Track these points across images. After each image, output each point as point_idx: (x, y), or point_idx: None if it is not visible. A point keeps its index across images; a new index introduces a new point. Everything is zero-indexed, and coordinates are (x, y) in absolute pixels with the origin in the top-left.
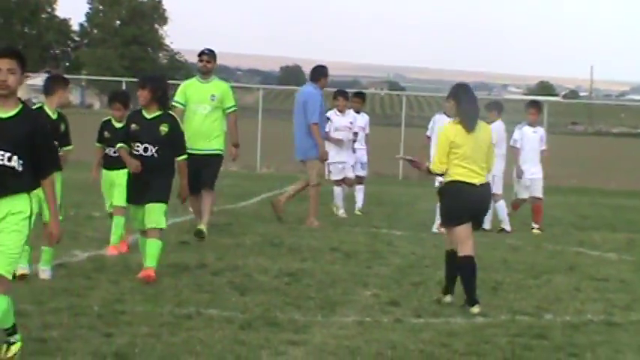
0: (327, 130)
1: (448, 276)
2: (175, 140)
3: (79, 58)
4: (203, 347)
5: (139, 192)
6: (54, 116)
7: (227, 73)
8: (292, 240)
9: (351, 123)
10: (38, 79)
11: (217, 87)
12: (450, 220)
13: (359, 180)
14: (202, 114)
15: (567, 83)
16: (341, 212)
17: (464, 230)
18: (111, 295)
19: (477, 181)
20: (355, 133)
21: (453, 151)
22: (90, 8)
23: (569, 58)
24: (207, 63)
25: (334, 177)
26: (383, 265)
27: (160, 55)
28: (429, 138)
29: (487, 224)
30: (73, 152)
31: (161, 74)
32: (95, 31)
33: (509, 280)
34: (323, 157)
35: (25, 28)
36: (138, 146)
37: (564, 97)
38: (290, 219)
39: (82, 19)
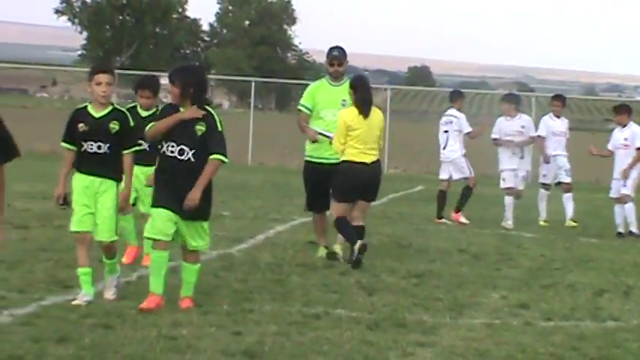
0: (496, 136)
1: (349, 238)
2: (212, 140)
3: (208, 58)
4: (331, 347)
5: (173, 199)
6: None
7: (355, 74)
8: (420, 241)
9: (522, 127)
10: None
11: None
12: (339, 194)
13: (567, 188)
14: (331, 120)
15: None
16: (508, 223)
17: (342, 207)
18: (239, 293)
19: (368, 160)
20: (532, 138)
21: (349, 133)
22: (220, 8)
23: None
24: (339, 67)
25: (505, 185)
26: (512, 267)
27: (289, 55)
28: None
29: (634, 228)
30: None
31: (194, 65)
32: (225, 31)
33: None
34: None
35: (156, 29)
36: (172, 147)
37: None
38: (417, 220)
39: (212, 19)
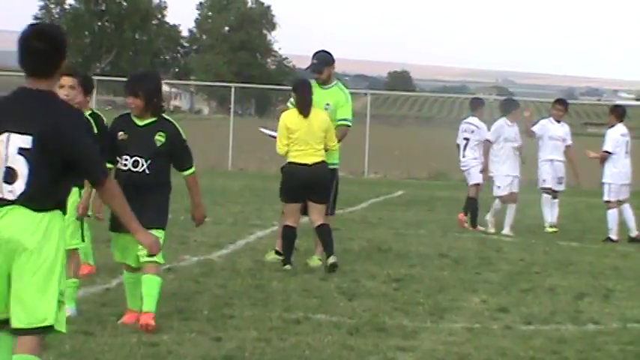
0: (492, 140)
1: (286, 248)
2: (177, 152)
3: (188, 64)
4: (312, 352)
5: None
6: None
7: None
8: (400, 246)
9: (517, 134)
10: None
11: (334, 95)
12: (285, 196)
13: (555, 194)
14: None
15: None
16: (489, 227)
17: (293, 207)
18: (219, 299)
19: (309, 160)
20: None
21: (289, 135)
22: (199, 14)
23: None
24: (319, 74)
25: (500, 192)
26: (492, 271)
27: (269, 60)
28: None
29: (613, 235)
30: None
31: (152, 72)
32: (204, 37)
33: (621, 287)
34: None
35: (135, 35)
36: (126, 159)
37: None
38: (397, 224)
39: (192, 25)
